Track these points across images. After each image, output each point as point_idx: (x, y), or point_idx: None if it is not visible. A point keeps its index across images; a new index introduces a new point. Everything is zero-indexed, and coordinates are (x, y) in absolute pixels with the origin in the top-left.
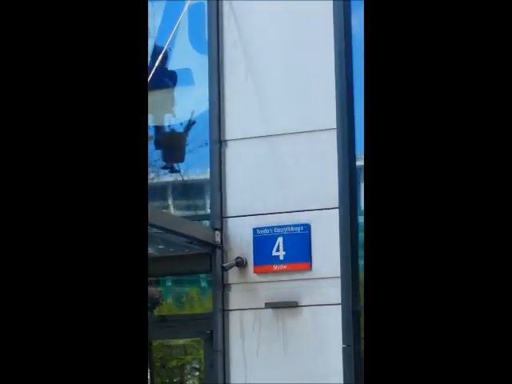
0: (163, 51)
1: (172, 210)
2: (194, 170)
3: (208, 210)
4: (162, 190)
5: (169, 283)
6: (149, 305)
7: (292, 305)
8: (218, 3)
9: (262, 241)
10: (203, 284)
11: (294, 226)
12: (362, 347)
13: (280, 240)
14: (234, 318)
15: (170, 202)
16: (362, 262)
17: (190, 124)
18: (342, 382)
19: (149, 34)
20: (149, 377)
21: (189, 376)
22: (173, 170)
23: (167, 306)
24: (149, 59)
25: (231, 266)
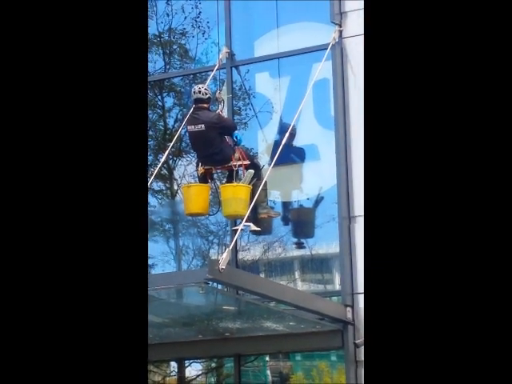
0: (290, 128)
1: (300, 285)
2: (322, 244)
3: (337, 286)
4: (290, 265)
5: (298, 357)
6: (278, 379)
7: None
8: (343, 79)
9: None
10: (333, 358)
11: None
12: None
13: None
14: None
15: (298, 276)
16: None
17: (319, 200)
18: None
19: (274, 110)
20: None
21: None
22: (300, 246)
23: (297, 380)
24: (276, 136)
25: (363, 343)
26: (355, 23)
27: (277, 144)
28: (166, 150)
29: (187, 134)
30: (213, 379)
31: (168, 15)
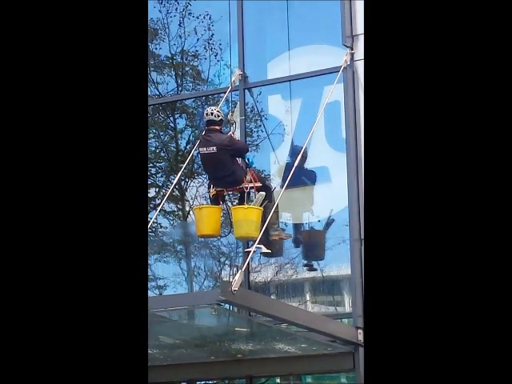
0: (302, 150)
1: (311, 307)
2: (332, 266)
3: (348, 308)
4: (301, 286)
5: (309, 379)
6: None
7: None
8: (354, 102)
9: None
10: (344, 380)
11: None
12: None
13: None
14: None
15: (309, 298)
16: None
17: (330, 222)
18: None
19: (285, 132)
20: None
21: None
22: (311, 268)
23: None
24: (288, 158)
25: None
26: None
27: (288, 166)
28: (178, 172)
29: (199, 155)
30: None
31: (180, 37)
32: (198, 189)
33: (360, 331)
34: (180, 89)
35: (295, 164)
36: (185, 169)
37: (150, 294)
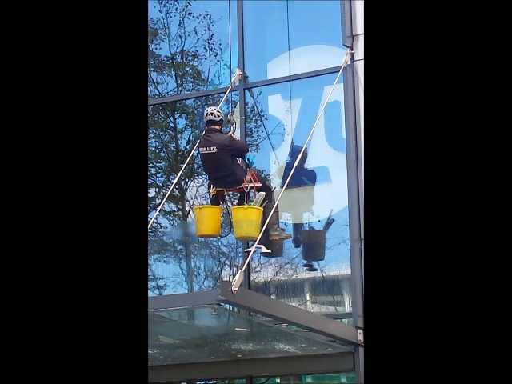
0: (302, 150)
1: (311, 307)
2: (332, 267)
3: (348, 308)
4: (301, 286)
5: (309, 379)
6: None
7: None
8: (354, 102)
9: None
10: (344, 380)
11: None
12: None
13: None
14: None
15: (309, 298)
16: None
17: (330, 222)
18: None
19: (286, 132)
20: None
21: None
22: (311, 268)
23: None
24: (288, 158)
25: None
26: None
27: (288, 166)
28: (178, 172)
29: (199, 155)
30: None
31: (180, 37)
32: (198, 189)
33: (360, 331)
34: (180, 89)
35: (295, 164)
36: (185, 169)
37: (150, 293)
